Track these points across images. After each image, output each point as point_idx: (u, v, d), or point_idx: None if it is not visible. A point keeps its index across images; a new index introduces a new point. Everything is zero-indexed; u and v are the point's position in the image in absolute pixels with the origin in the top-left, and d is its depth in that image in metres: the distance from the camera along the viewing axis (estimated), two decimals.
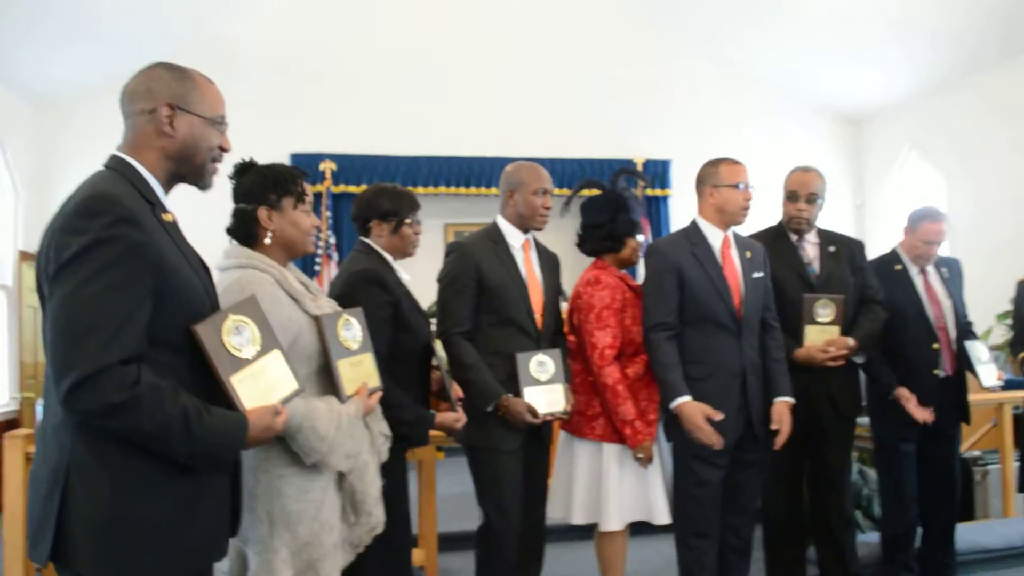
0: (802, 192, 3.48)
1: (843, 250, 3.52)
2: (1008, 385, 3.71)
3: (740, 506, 3.24)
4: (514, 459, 3.01)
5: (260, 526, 2.09)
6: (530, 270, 3.14)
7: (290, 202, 2.24)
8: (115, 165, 1.74)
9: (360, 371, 2.29)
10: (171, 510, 1.65)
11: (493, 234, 3.13)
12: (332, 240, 7.71)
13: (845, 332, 3.38)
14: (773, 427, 3.12)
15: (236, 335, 1.77)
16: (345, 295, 2.61)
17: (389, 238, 2.83)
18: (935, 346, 3.52)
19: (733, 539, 3.28)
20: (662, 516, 3.16)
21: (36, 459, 1.70)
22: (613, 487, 3.10)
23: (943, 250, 3.69)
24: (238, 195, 2.25)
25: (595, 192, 3.42)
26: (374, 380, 2.35)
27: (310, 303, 2.21)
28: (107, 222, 1.57)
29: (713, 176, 3.19)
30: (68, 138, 7.29)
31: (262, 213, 2.21)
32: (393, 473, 2.61)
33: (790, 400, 3.16)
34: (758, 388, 3.14)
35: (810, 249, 3.53)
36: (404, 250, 2.87)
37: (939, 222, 3.58)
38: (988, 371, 3.51)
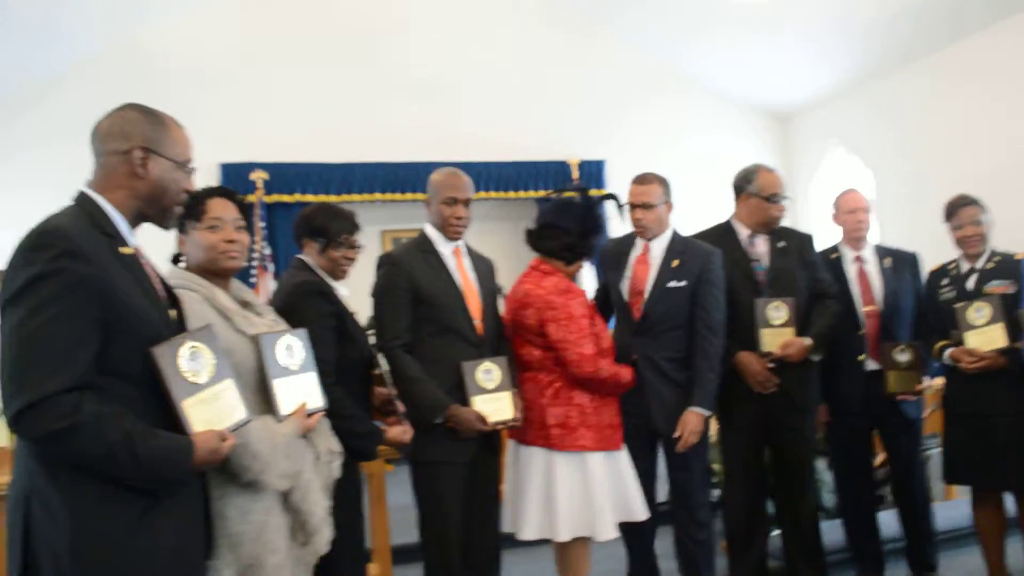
0: (781, 192, 3.55)
1: (792, 245, 3.56)
2: (935, 372, 3.78)
3: (684, 500, 3.39)
4: (459, 472, 2.96)
5: None
6: (464, 277, 3.09)
7: (192, 223, 2.28)
8: (79, 201, 1.82)
9: (300, 391, 2.27)
10: (127, 531, 1.69)
11: (423, 243, 3.09)
12: (267, 251, 7.51)
13: (801, 330, 3.42)
14: (675, 435, 3.25)
15: (191, 360, 1.83)
16: (288, 307, 2.58)
17: (318, 257, 2.81)
18: (860, 332, 3.59)
19: (687, 533, 3.40)
20: (643, 512, 3.13)
21: (11, 483, 1.78)
22: (605, 496, 3.02)
23: (897, 243, 3.81)
24: None
25: (573, 195, 3.33)
26: (315, 400, 2.32)
27: (241, 320, 2.22)
28: (51, 255, 1.64)
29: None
30: None
31: (179, 238, 2.31)
32: (346, 488, 2.59)
33: (701, 411, 3.27)
34: (662, 387, 3.30)
35: (760, 245, 3.56)
36: (332, 271, 2.82)
37: (852, 192, 3.79)
38: (901, 380, 3.52)
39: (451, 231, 3.07)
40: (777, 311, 3.39)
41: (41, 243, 1.66)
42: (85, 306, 1.65)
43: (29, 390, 1.59)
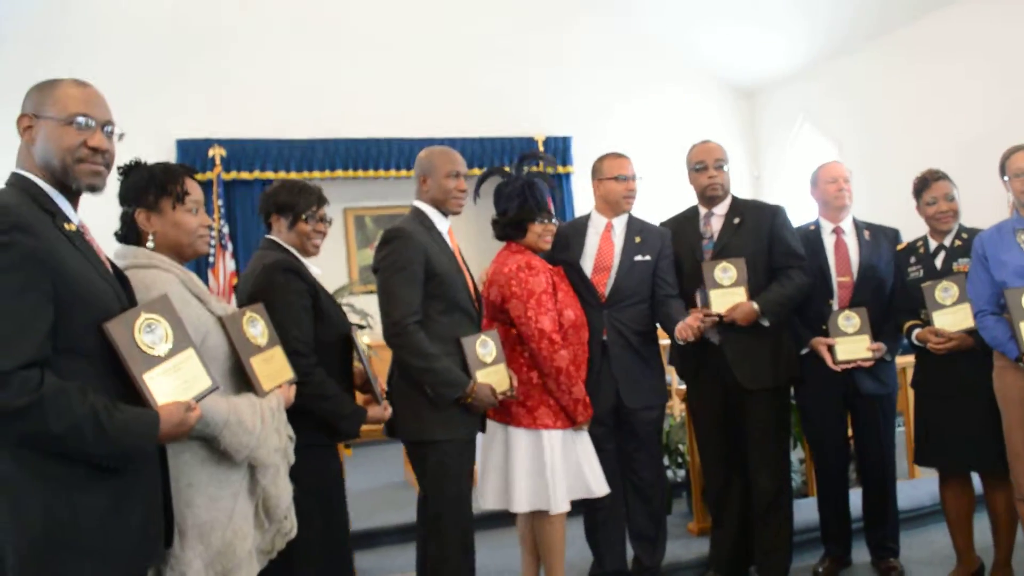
0: (709, 160, 3.54)
1: (750, 219, 3.51)
2: (903, 350, 3.73)
3: (635, 472, 3.47)
4: (472, 447, 3.01)
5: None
6: (458, 254, 3.10)
7: (168, 202, 2.16)
8: (12, 180, 1.79)
9: (273, 365, 2.28)
10: (95, 513, 1.67)
11: (424, 220, 3.04)
12: (225, 230, 7.34)
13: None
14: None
15: (148, 333, 1.80)
16: (260, 287, 2.55)
17: (287, 234, 2.74)
18: (830, 302, 3.54)
19: (637, 510, 3.50)
20: (601, 488, 3.23)
21: None
22: (560, 472, 3.13)
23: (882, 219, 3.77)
24: (120, 197, 2.19)
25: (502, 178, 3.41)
26: (288, 373, 2.34)
27: (216, 303, 2.18)
28: (1, 230, 1.59)
29: (598, 171, 3.54)
30: None
31: (140, 216, 2.15)
32: (330, 469, 2.66)
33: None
34: (629, 361, 3.38)
35: (715, 223, 3.57)
36: (302, 247, 2.75)
37: (832, 162, 3.77)
38: (848, 345, 3.43)
39: (454, 204, 3.07)
40: (725, 272, 3.36)
41: None
42: (38, 280, 1.61)
43: None
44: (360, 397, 2.81)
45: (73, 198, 1.83)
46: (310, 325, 2.59)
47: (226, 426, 2.02)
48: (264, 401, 2.16)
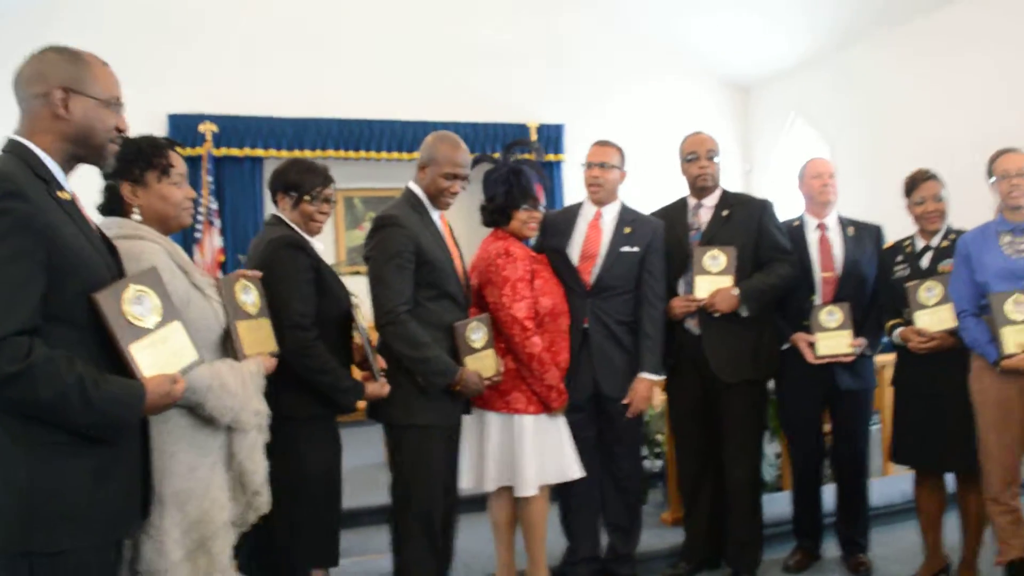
0: (701, 150, 3.57)
1: (738, 212, 3.53)
2: (884, 348, 3.77)
3: (614, 463, 3.48)
4: (455, 434, 3.05)
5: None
6: (449, 239, 3.10)
7: (154, 175, 2.18)
8: (9, 148, 1.78)
9: (259, 335, 2.33)
10: (78, 481, 1.69)
11: (416, 204, 3.02)
12: (214, 206, 7.31)
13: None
14: (625, 400, 3.36)
15: (137, 304, 1.81)
16: (266, 261, 2.58)
17: (291, 212, 2.77)
18: (812, 297, 3.57)
19: (614, 501, 3.51)
20: (575, 472, 3.27)
21: None
22: (530, 455, 3.16)
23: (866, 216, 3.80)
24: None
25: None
26: (272, 345, 2.38)
27: (199, 276, 2.20)
28: None
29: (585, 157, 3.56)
30: None
31: (125, 189, 2.17)
32: (329, 442, 2.72)
33: (650, 377, 3.38)
34: (609, 349, 3.37)
35: (704, 214, 3.59)
36: (306, 226, 2.78)
37: (818, 158, 3.79)
38: (829, 340, 3.46)
39: (443, 203, 3.06)
40: (714, 260, 3.39)
41: None
42: (30, 247, 1.62)
43: None
44: (357, 373, 2.83)
45: (67, 167, 1.84)
46: (313, 300, 2.63)
47: (209, 390, 2.06)
48: (243, 364, 2.20)
